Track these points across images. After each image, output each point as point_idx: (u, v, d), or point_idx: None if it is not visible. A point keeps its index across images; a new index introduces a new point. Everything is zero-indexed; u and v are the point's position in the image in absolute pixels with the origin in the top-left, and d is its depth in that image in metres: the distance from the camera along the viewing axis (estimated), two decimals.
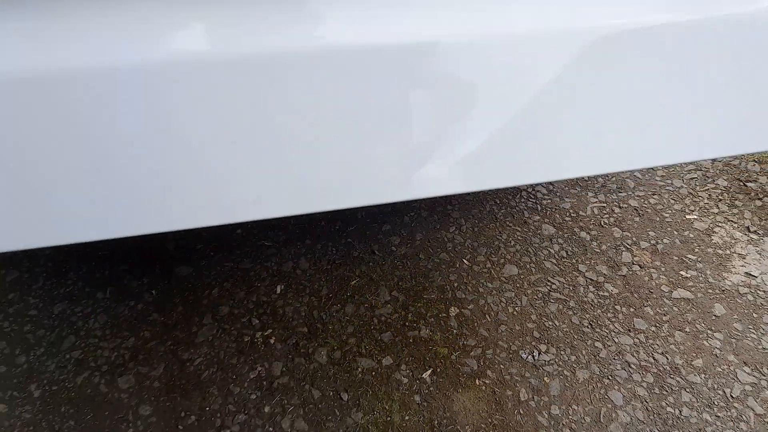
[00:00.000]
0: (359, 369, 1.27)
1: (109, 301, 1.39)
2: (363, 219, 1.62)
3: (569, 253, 1.54)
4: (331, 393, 1.23)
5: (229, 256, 1.51)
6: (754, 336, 1.35)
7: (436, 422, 1.18)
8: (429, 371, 1.27)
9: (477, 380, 1.26)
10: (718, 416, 1.20)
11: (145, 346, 1.31)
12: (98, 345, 1.30)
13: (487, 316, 1.38)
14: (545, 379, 1.26)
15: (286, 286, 1.44)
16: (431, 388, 1.24)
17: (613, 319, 1.38)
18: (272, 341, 1.32)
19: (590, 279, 1.47)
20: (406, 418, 1.19)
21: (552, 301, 1.42)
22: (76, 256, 1.49)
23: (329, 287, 1.44)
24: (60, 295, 1.41)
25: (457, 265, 1.50)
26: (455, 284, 1.45)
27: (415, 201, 1.68)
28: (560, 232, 1.60)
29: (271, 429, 1.16)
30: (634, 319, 1.38)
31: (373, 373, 1.26)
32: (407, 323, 1.36)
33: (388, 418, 1.18)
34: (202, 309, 1.38)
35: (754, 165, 1.81)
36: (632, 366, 1.29)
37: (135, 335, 1.32)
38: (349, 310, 1.39)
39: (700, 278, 1.48)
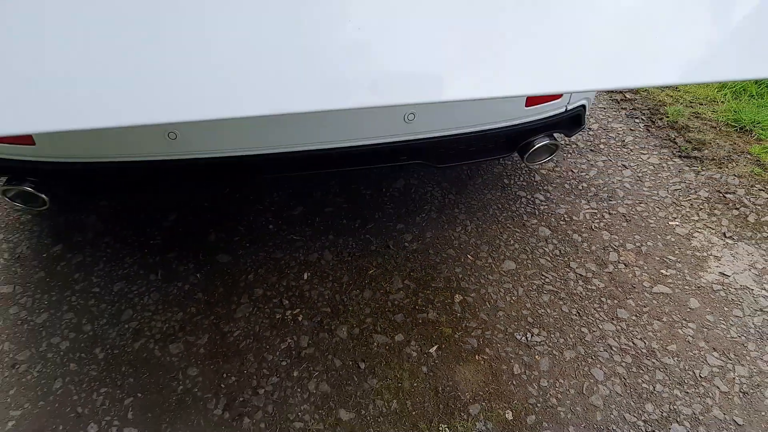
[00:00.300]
0: (375, 343, 1.47)
1: (160, 282, 1.62)
2: (380, 218, 1.84)
3: (562, 252, 1.73)
4: (351, 362, 1.43)
5: (263, 247, 1.73)
6: (724, 326, 1.52)
7: (440, 389, 1.38)
8: (435, 347, 1.47)
9: (477, 356, 1.45)
10: (687, 392, 1.38)
11: (192, 319, 1.52)
12: (152, 317, 1.52)
13: (487, 303, 1.58)
14: (536, 357, 1.45)
15: (312, 274, 1.65)
16: (437, 361, 1.43)
17: (599, 309, 1.57)
18: (300, 319, 1.53)
19: (580, 274, 1.66)
20: (415, 384, 1.38)
21: (545, 292, 1.61)
22: (132, 244, 1.72)
23: (349, 275, 1.65)
24: (118, 276, 1.63)
25: (462, 260, 1.70)
26: (460, 276, 1.65)
27: (426, 203, 1.89)
28: (555, 234, 1.79)
29: (299, 390, 1.37)
30: (617, 309, 1.57)
31: (387, 347, 1.46)
32: (417, 307, 1.56)
33: (399, 384, 1.38)
34: (239, 290, 1.60)
35: (734, 179, 2.00)
36: (613, 348, 1.47)
37: (183, 310, 1.54)
38: (366, 294, 1.59)
39: (679, 276, 1.66)
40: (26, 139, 1.30)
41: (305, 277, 1.64)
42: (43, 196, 1.42)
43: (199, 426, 1.29)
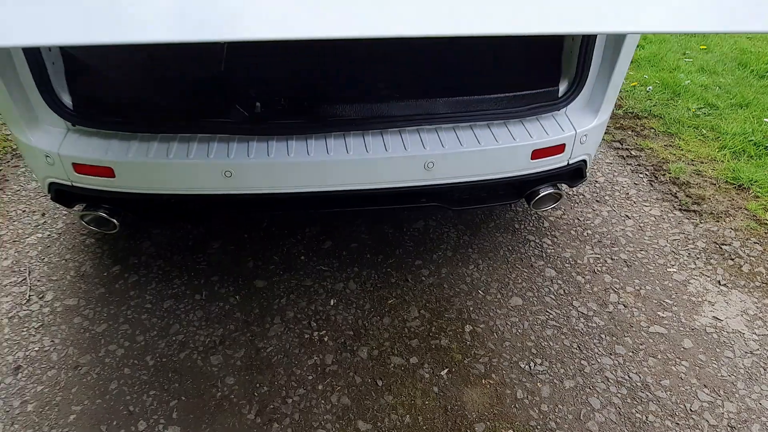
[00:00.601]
0: (392, 364, 1.64)
1: (204, 302, 1.83)
2: (400, 255, 2.03)
3: (566, 291, 1.89)
4: (369, 380, 1.59)
5: (295, 275, 1.94)
6: (716, 366, 1.65)
7: (449, 407, 1.52)
8: (446, 370, 1.62)
9: (483, 380, 1.60)
10: (678, 424, 1.50)
11: (230, 335, 1.72)
12: (196, 332, 1.72)
13: (494, 334, 1.74)
14: (538, 384, 1.59)
15: (338, 301, 1.84)
16: (447, 383, 1.59)
17: (598, 345, 1.71)
18: (326, 339, 1.71)
19: (582, 313, 1.82)
20: (426, 402, 1.53)
21: (549, 327, 1.77)
22: (181, 268, 1.95)
23: (371, 303, 1.83)
24: (168, 295, 1.85)
25: (474, 295, 1.88)
26: (471, 308, 1.82)
27: (443, 243, 2.08)
28: (560, 275, 1.96)
29: (322, 401, 1.53)
30: (616, 345, 1.71)
31: (403, 368, 1.63)
32: (431, 334, 1.73)
33: (412, 402, 1.54)
34: (273, 312, 1.79)
35: (730, 232, 2.15)
36: (610, 380, 1.61)
37: (223, 327, 1.74)
38: (386, 321, 1.77)
39: (675, 318, 1.80)
40: (107, 172, 1.56)
41: (332, 303, 1.83)
42: (115, 221, 1.67)
43: (234, 428, 1.46)
